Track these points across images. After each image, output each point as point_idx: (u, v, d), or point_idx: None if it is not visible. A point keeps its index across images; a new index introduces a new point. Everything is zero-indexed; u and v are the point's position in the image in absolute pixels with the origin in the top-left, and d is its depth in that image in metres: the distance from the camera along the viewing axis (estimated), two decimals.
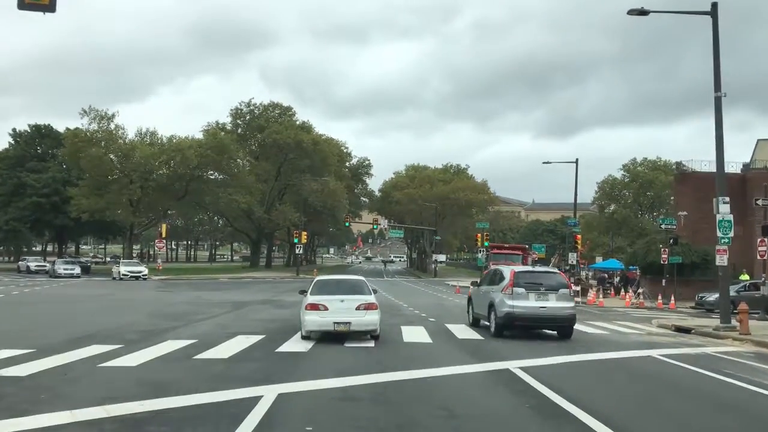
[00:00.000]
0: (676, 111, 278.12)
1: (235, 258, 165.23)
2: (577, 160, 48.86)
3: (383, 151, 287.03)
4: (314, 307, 15.48)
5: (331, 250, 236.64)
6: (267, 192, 79.76)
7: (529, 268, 23.45)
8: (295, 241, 66.31)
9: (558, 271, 22.46)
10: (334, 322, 15.15)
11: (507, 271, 18.37)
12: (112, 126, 64.13)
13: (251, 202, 71.56)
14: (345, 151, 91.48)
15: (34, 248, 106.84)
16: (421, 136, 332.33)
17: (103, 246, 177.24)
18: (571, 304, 17.68)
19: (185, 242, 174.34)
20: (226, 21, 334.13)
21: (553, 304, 17.03)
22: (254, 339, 15.54)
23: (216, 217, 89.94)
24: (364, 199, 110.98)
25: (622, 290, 47.86)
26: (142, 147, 64.75)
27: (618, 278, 53.47)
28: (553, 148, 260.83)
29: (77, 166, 64.86)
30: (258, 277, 60.65)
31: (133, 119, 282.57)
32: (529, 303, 16.89)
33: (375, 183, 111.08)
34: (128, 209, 67.86)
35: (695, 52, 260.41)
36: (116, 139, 64.46)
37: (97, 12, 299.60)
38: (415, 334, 17.49)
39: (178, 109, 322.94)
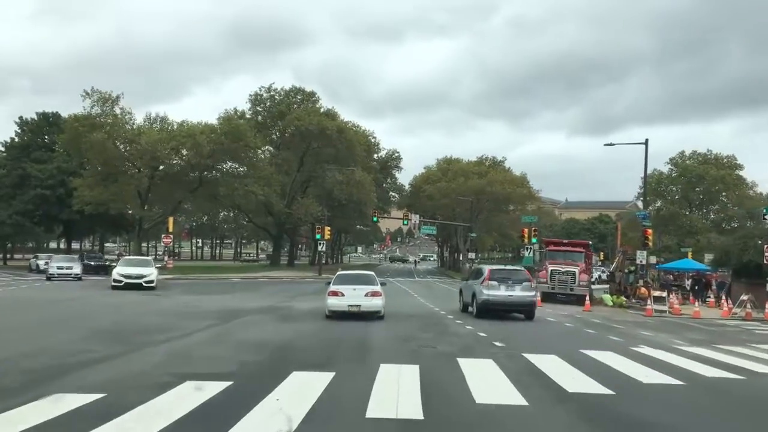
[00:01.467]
0: (715, 109, 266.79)
1: (261, 256, 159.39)
2: (646, 140, 41.20)
3: (415, 149, 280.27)
4: (335, 293, 20.98)
5: (359, 249, 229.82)
6: (288, 184, 73.03)
7: (501, 266, 27.07)
8: (317, 237, 59.36)
9: (522, 269, 25.57)
10: (349, 305, 20.39)
11: (485, 268, 24.01)
12: (117, 110, 57.80)
13: (270, 195, 64.85)
14: (373, 141, 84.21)
15: (45, 245, 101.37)
16: (453, 135, 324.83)
17: (125, 243, 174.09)
18: (532, 293, 23.01)
19: (210, 240, 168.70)
20: (261, 21, 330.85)
21: (518, 293, 22.21)
22: (205, 395, 8.41)
23: (235, 212, 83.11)
24: (393, 194, 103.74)
25: (701, 296, 40.11)
26: (149, 132, 58.32)
27: (690, 281, 45.60)
28: (587, 147, 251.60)
29: (79, 154, 58.76)
30: (275, 277, 53.94)
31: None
32: (501, 292, 22.10)
33: (405, 178, 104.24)
34: (136, 201, 61.62)
35: (735, 47, 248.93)
36: (122, 124, 58.06)
37: (134, 14, 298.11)
38: (488, 382, 10.04)
39: (213, 109, 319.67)
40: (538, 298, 25.93)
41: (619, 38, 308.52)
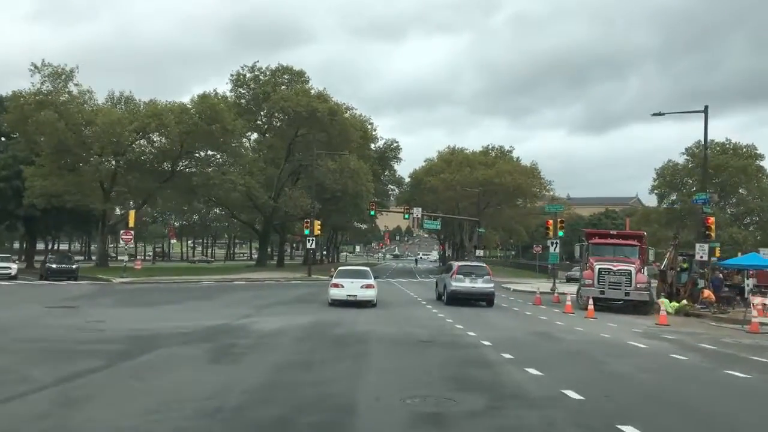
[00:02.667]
0: (718, 105, 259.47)
1: (255, 256, 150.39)
2: (706, 107, 33.05)
3: (416, 148, 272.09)
4: (336, 285, 25.11)
5: (357, 248, 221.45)
6: (275, 175, 64.74)
7: (467, 262, 35.57)
8: (306, 232, 51.14)
9: (484, 265, 31.82)
10: (347, 295, 24.42)
11: (454, 264, 30.09)
12: (72, 87, 49.49)
13: (252, 185, 56.54)
14: (370, 127, 75.49)
15: (6, 245, 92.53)
16: (454, 133, 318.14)
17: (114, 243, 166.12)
18: (491, 285, 27.58)
19: (201, 240, 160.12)
20: (262, 20, 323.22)
21: (480, 285, 27.05)
22: None
23: (219, 208, 74.45)
24: (392, 187, 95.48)
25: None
26: (107, 112, 49.99)
27: (751, 281, 37.38)
28: (588, 144, 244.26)
29: (28, 138, 50.44)
30: (256, 280, 45.77)
31: None
32: (466, 284, 26.97)
33: (404, 171, 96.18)
34: (98, 194, 53.36)
35: (738, 44, 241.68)
36: (78, 104, 49.72)
37: (133, 13, 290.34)
38: None
39: None
40: (591, 308, 24.10)
41: (622, 35, 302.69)
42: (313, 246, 51.73)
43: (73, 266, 40.42)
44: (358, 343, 13.95)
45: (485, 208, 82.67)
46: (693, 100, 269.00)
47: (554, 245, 41.40)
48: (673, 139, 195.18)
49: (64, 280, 38.24)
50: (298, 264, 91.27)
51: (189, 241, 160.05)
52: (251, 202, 63.40)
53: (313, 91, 64.38)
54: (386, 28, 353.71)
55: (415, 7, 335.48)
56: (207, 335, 14.99)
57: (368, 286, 24.77)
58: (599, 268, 27.02)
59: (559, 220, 42.89)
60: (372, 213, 62.63)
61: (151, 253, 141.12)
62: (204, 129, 52.35)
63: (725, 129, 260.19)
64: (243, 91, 66.62)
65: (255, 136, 69.99)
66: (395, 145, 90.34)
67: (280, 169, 65.34)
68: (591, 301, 24.25)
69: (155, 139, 56.28)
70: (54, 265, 39.63)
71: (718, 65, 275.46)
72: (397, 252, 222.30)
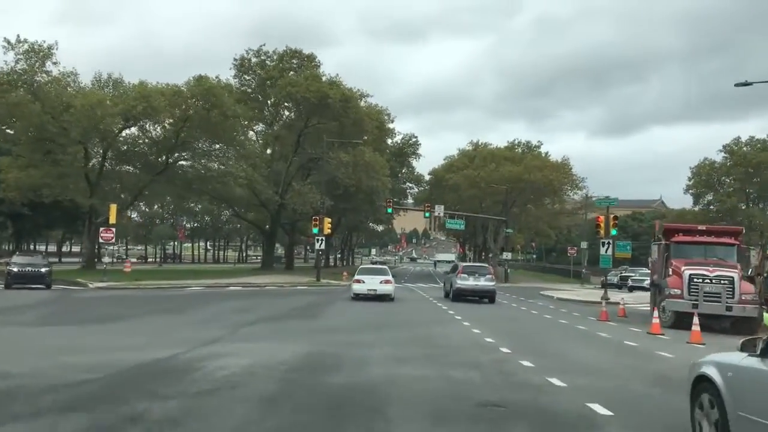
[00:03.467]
0: (743, 107, 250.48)
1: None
2: None
3: (433, 150, 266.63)
4: (358, 281, 28.85)
5: (373, 251, 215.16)
6: (283, 171, 58.55)
7: (471, 263, 44.37)
8: (315, 231, 44.85)
9: (487, 265, 37.44)
10: (368, 289, 28.10)
11: (460, 265, 35.33)
12: (50, 66, 43.58)
13: (255, 179, 50.34)
14: (387, 119, 68.85)
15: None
16: (473, 136, 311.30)
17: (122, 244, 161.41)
18: (493, 283, 30.33)
19: (213, 242, 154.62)
20: (283, 23, 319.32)
21: (482, 283, 29.72)
22: None
23: (221, 206, 68.09)
24: (410, 185, 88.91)
25: None
26: (88, 93, 44.00)
27: None
28: (608, 147, 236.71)
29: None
30: (256, 285, 39.64)
31: None
32: (469, 282, 29.74)
33: (423, 170, 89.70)
34: (82, 187, 47.48)
35: (764, 45, 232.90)
36: (57, 85, 43.81)
37: (156, 17, 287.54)
38: None
39: None
40: (696, 329, 17.31)
41: (645, 36, 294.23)
42: (322, 246, 45.36)
43: (43, 269, 32.11)
44: (370, 412, 7.56)
45: (512, 206, 76.12)
46: (715, 103, 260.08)
47: (607, 246, 34.73)
48: (696, 141, 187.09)
49: (31, 286, 30.84)
50: (310, 267, 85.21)
51: (200, 244, 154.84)
52: (257, 199, 57.31)
53: (324, 77, 58.09)
54: (406, 31, 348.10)
55: (436, 10, 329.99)
56: (113, 387, 8.65)
57: (386, 282, 28.77)
58: (690, 274, 20.32)
59: (612, 216, 36.08)
60: (389, 210, 56.32)
61: (160, 256, 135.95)
62: (201, 115, 46.25)
63: (752, 130, 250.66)
64: (248, 78, 60.53)
65: (261, 127, 63.80)
66: (414, 140, 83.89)
67: (289, 162, 59.09)
68: (696, 320, 17.62)
69: (149, 129, 50.42)
70: (16, 269, 31.72)
71: (743, 66, 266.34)
72: (414, 255, 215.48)
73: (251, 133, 61.61)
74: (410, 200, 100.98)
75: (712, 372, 5.64)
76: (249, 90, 60.63)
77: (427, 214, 58.19)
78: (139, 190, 51.39)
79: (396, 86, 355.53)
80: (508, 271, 66.28)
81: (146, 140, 50.39)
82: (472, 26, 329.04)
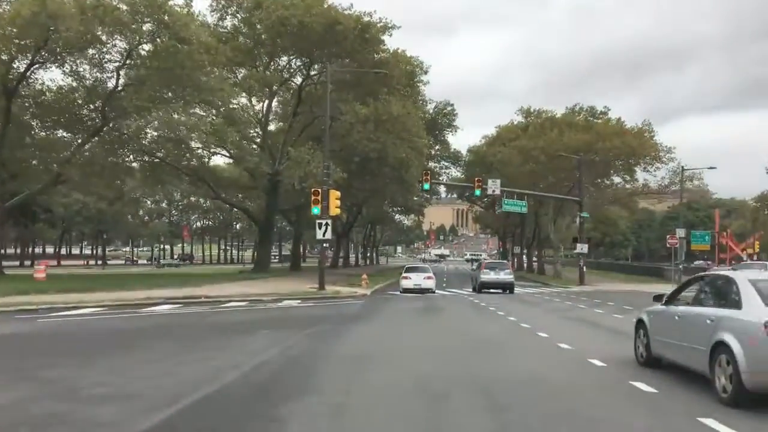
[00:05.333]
0: None
1: (278, 256, 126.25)
2: None
3: (464, 148, 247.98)
4: (405, 277, 32.41)
5: (398, 249, 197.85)
6: (282, 134, 41.55)
7: (492, 260, 49.51)
8: (314, 211, 27.70)
9: (506, 261, 47.20)
10: (414, 284, 31.74)
11: (483, 261, 40.95)
12: None
13: (228, 136, 33.43)
14: (420, 71, 50.00)
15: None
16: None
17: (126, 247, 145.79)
18: (511, 276, 34.68)
19: (225, 241, 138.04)
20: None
21: (502, 276, 34.05)
22: None
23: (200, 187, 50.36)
24: (445, 164, 71.45)
25: None
26: None
27: None
28: None
29: None
30: (214, 299, 22.70)
31: None
32: (491, 276, 34.07)
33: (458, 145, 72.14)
34: None
35: None
36: None
37: None
38: None
39: None
40: None
41: (682, 25, 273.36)
42: (328, 235, 28.07)
43: None
44: None
45: (574, 185, 58.65)
46: (757, 91, 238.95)
47: None
48: (731, 132, 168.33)
49: None
50: (326, 268, 68.82)
51: (210, 244, 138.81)
52: (247, 175, 40.50)
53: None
54: (436, 25, 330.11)
55: (466, 1, 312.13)
56: None
57: (429, 278, 32.38)
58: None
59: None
60: (426, 187, 38.94)
61: (155, 257, 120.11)
62: (139, 32, 29.34)
63: None
64: (230, 12, 43.38)
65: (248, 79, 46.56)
66: (450, 108, 66.33)
67: (288, 122, 42.05)
68: None
69: (82, 68, 33.87)
70: None
71: None
72: (444, 251, 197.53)
73: (240, 92, 44.47)
74: (443, 188, 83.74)
75: (643, 316, 10.37)
76: (229, 31, 43.55)
77: (478, 192, 40.93)
78: (67, 159, 34.52)
79: (427, 78, 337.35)
80: (584, 268, 48.59)
81: (72, 84, 33.74)
82: (504, 17, 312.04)
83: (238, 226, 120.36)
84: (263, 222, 44.69)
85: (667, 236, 50.06)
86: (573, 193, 59.90)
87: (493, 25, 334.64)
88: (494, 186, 42.37)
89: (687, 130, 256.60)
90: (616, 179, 62.83)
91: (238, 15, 42.60)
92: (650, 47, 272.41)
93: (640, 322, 10.35)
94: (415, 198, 68.19)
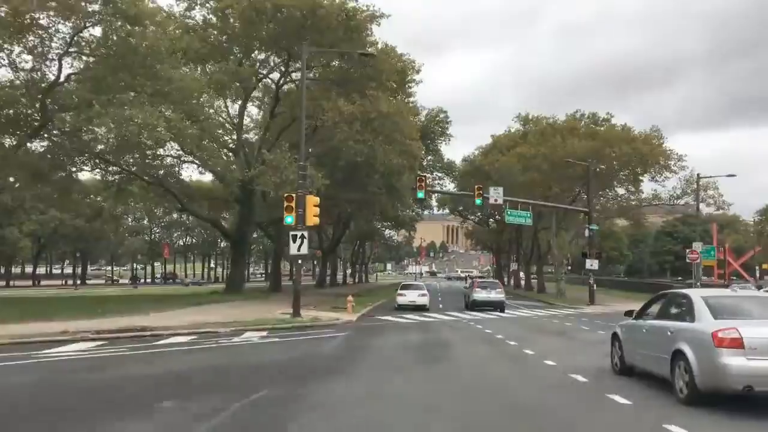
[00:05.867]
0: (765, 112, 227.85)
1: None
2: None
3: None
4: (401, 294, 33.19)
5: (388, 266, 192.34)
6: (258, 137, 36.39)
7: (484, 279, 46.37)
8: (287, 221, 22.54)
9: (497, 281, 43.27)
10: (409, 300, 32.40)
11: (475, 280, 40.60)
12: None
13: (188, 135, 28.26)
14: (412, 70, 44.29)
15: None
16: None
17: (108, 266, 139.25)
18: (502, 295, 34.91)
19: (208, 258, 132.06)
20: None
21: (493, 295, 34.40)
22: None
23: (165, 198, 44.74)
24: (438, 174, 66.54)
25: None
26: None
27: None
28: None
29: None
30: (167, 335, 17.46)
31: None
32: (482, 294, 34.38)
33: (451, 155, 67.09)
34: None
35: None
36: None
37: None
38: None
39: None
40: None
41: (668, 41, 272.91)
42: (304, 250, 22.78)
43: None
44: None
45: (577, 197, 53.92)
46: (741, 107, 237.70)
47: None
48: (714, 151, 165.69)
49: None
50: (311, 288, 63.56)
51: (194, 262, 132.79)
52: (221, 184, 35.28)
53: None
54: (426, 42, 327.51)
55: (457, 20, 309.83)
56: None
57: (423, 295, 33.06)
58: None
59: None
60: (420, 195, 33.76)
61: (144, 276, 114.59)
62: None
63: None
64: (200, 2, 38.29)
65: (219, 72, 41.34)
66: (443, 115, 61.52)
67: (265, 125, 36.95)
68: None
69: (21, 59, 28.72)
70: None
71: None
72: (434, 269, 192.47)
73: (209, 89, 39.31)
74: (435, 199, 78.95)
75: (617, 329, 11.73)
76: (198, 18, 38.50)
77: (479, 202, 35.99)
78: None
79: (417, 96, 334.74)
80: (594, 286, 43.62)
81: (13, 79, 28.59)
82: (492, 37, 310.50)
83: (222, 244, 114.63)
84: (236, 236, 39.29)
85: (687, 250, 45.06)
86: (576, 204, 55.49)
87: (481, 44, 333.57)
88: (496, 194, 37.36)
89: (675, 146, 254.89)
90: (620, 191, 58.30)
91: (208, 4, 37.55)
92: (634, 64, 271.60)
93: (614, 336, 11.72)
94: (408, 211, 63.18)
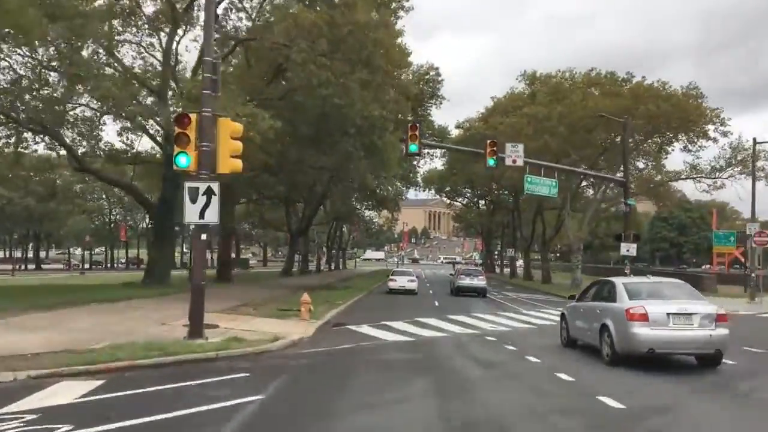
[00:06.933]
0: (753, 101, 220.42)
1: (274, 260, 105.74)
2: None
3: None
4: (392, 279, 35.57)
5: (368, 252, 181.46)
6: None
7: (468, 267, 50.19)
8: (178, 160, 11.92)
9: (480, 268, 48.13)
10: (399, 285, 34.62)
11: (460, 268, 46.52)
12: None
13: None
14: (396, 9, 33.76)
15: None
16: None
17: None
18: (484, 282, 35.85)
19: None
20: None
21: (476, 282, 35.56)
22: None
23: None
24: (427, 142, 55.83)
25: None
26: None
27: None
28: None
29: None
30: None
31: None
32: (466, 281, 35.70)
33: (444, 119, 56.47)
34: None
35: None
36: None
37: None
38: None
39: None
40: None
41: (653, 34, 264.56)
42: (212, 216, 12.27)
43: None
44: None
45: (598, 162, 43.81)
46: (732, 98, 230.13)
47: None
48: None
49: None
50: (272, 277, 53.40)
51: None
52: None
53: None
54: (413, 28, 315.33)
55: (443, 7, 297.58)
56: None
57: (412, 281, 35.34)
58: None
59: None
60: (414, 148, 23.22)
61: (79, 261, 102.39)
62: None
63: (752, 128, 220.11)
64: None
65: None
66: (434, 73, 50.67)
67: (198, 52, 26.04)
68: None
69: None
70: None
71: (756, 62, 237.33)
72: (416, 255, 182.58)
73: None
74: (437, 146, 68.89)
75: (564, 310, 14.50)
76: None
77: (492, 162, 25.62)
78: None
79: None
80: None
81: None
82: (481, 23, 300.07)
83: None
84: (158, 207, 28.25)
85: (754, 234, 34.78)
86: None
87: (470, 30, 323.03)
88: (515, 153, 26.92)
89: None
90: (639, 164, 48.30)
91: None
92: (623, 56, 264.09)
93: (562, 316, 14.47)
94: (391, 189, 52.69)
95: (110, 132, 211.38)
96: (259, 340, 12.94)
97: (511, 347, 13.88)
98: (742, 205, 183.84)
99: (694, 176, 43.15)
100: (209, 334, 12.77)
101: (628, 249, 33.19)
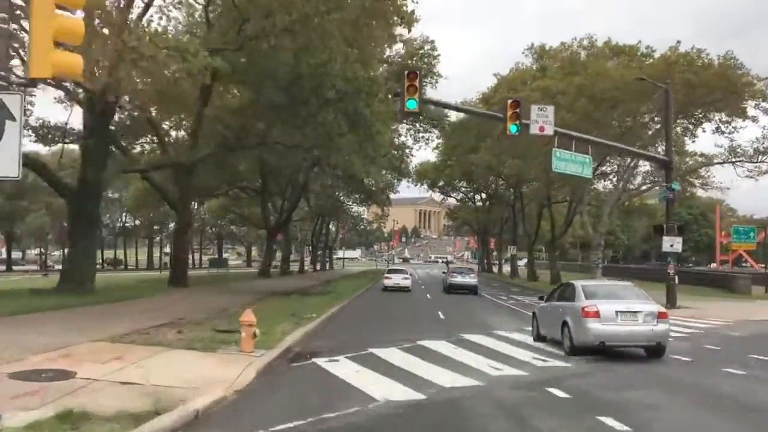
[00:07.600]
0: None
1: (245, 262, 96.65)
2: None
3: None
4: (387, 277, 37.24)
5: (357, 252, 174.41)
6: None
7: (459, 265, 56.55)
8: None
9: (471, 267, 50.87)
10: (394, 283, 35.91)
11: (451, 266, 47.35)
12: None
13: None
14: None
15: None
16: None
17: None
18: (475, 280, 36.75)
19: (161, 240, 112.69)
20: None
21: (468, 279, 36.35)
22: None
23: None
24: (422, 126, 49.27)
25: None
26: None
27: None
28: None
29: None
30: None
31: None
32: (458, 279, 36.41)
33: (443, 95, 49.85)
34: None
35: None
36: None
37: None
38: None
39: None
40: None
41: (653, 26, 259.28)
42: (4, 169, 5.71)
43: None
44: None
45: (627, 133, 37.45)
46: None
47: None
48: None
49: None
50: (246, 279, 46.99)
51: (146, 244, 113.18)
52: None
53: None
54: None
55: (432, 5, 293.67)
56: None
57: (406, 279, 36.62)
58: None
59: None
60: (412, 104, 16.82)
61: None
62: None
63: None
64: None
65: None
66: (430, 47, 44.09)
67: None
68: None
69: None
70: None
71: (755, 60, 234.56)
72: (406, 255, 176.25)
73: None
74: (441, 105, 62.58)
75: (536, 310, 15.49)
76: None
77: (514, 128, 19.32)
78: None
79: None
80: (675, 280, 27.38)
81: None
82: (475, 18, 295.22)
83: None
84: (76, 192, 21.16)
85: None
86: (610, 163, 39.69)
87: (463, 24, 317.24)
88: (542, 118, 20.49)
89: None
90: (660, 149, 41.92)
91: None
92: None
93: (534, 315, 15.46)
94: (379, 175, 45.98)
95: None
96: (117, 416, 6.31)
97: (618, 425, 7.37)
98: (738, 203, 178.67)
99: (734, 160, 36.86)
100: (34, 400, 6.16)
101: (672, 244, 27.06)
